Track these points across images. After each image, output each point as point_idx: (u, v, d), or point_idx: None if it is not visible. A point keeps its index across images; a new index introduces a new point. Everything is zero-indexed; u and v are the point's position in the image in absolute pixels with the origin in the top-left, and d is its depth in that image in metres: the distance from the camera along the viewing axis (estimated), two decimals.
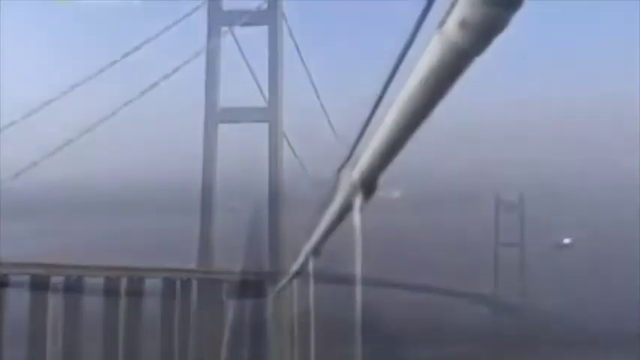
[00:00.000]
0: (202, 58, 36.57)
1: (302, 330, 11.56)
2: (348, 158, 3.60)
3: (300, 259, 8.53)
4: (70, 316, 21.52)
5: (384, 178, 3.46)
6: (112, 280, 23.57)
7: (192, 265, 40.11)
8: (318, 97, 41.77)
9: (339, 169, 3.76)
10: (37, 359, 22.29)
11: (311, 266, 7.58)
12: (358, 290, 3.83)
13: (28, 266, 22.09)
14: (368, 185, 3.35)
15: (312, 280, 7.83)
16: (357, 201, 3.48)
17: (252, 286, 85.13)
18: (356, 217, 3.58)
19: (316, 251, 7.24)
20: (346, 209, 3.99)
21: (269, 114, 38.85)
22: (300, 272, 10.14)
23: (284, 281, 14.27)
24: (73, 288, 21.44)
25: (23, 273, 21.89)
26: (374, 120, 3.24)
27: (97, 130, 33.96)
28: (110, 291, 22.38)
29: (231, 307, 67.99)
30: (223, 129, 40.44)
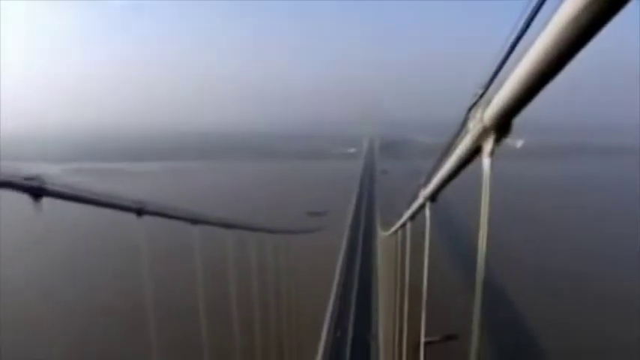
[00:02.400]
0: None
1: (413, 276, 11.66)
2: (480, 96, 3.35)
3: (416, 204, 8.43)
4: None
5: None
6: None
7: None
8: None
9: (469, 109, 3.53)
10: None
11: (427, 212, 7.47)
12: (483, 238, 3.67)
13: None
14: (501, 127, 3.13)
15: (428, 225, 7.74)
16: (488, 144, 3.28)
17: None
18: (485, 161, 3.39)
19: (433, 197, 7.10)
20: (473, 153, 3.78)
21: None
22: (414, 217, 10.11)
23: (397, 225, 14.33)
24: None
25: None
26: (514, 55, 3.00)
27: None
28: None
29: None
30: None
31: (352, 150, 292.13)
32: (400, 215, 12.69)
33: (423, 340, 8.61)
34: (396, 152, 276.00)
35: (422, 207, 7.76)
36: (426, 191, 7.16)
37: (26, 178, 5.95)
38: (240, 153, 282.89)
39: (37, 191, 6.31)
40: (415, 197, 8.31)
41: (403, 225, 12.17)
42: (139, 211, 7.74)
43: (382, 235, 36.23)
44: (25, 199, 6.18)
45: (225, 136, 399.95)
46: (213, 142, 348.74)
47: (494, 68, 3.38)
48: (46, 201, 6.15)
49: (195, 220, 9.84)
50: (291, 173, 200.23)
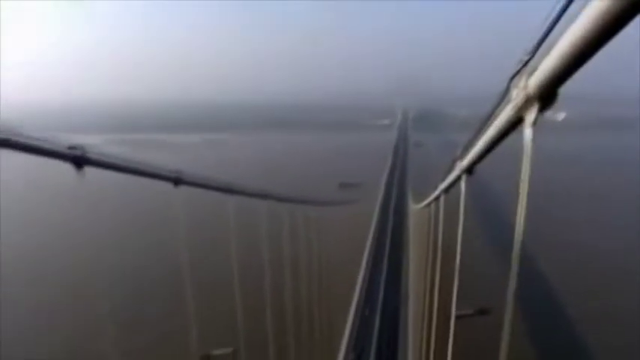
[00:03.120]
0: None
1: (445, 249, 11.57)
2: (525, 64, 3.19)
3: (451, 177, 8.27)
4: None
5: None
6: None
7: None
8: None
9: (512, 77, 3.38)
10: None
11: (463, 185, 7.32)
12: (521, 211, 3.56)
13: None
14: (546, 96, 2.98)
15: (463, 198, 7.59)
16: (531, 114, 3.13)
17: (395, 201, 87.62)
18: (527, 132, 3.24)
19: (470, 169, 6.93)
20: (515, 124, 3.63)
21: None
22: (449, 190, 9.95)
23: (430, 198, 14.16)
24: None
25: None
26: (562, 20, 2.82)
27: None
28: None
29: (374, 220, 71.67)
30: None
31: (386, 122, 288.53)
32: (433, 188, 12.52)
33: (454, 313, 8.59)
34: (431, 125, 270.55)
35: (457, 179, 7.61)
36: (462, 163, 6.99)
37: (69, 148, 6.18)
38: (275, 125, 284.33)
39: (79, 160, 6.55)
40: (451, 170, 8.16)
41: (437, 198, 12.01)
42: (176, 181, 7.93)
43: (414, 207, 35.97)
44: (68, 167, 6.41)
45: (260, 107, 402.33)
46: (249, 114, 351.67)
47: (540, 34, 3.20)
48: (88, 170, 6.38)
49: (229, 191, 10.01)
50: (324, 145, 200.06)
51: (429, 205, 14.91)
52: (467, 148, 6.39)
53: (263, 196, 13.45)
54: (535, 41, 3.26)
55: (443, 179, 9.96)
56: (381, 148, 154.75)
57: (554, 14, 2.97)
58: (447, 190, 9.94)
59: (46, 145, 6.04)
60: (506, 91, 3.56)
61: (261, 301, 14.74)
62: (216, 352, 8.78)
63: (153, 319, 46.77)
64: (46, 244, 72.99)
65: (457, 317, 8.38)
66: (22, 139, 5.51)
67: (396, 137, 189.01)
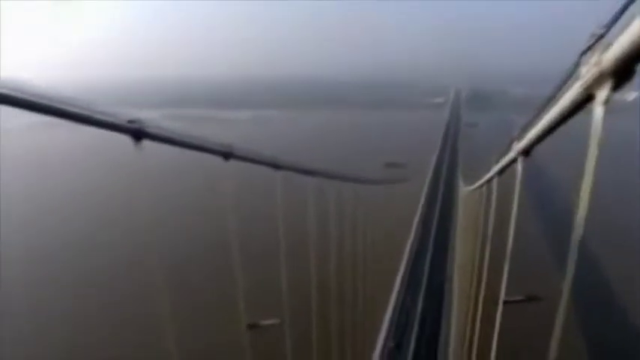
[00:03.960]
0: None
1: (496, 234, 11.23)
2: (599, 38, 2.94)
3: (507, 158, 7.93)
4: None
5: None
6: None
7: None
8: None
9: (583, 52, 3.13)
10: None
11: (519, 167, 7.00)
12: (585, 196, 3.34)
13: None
14: (622, 73, 2.73)
15: (518, 182, 7.28)
16: (603, 91, 2.89)
17: (444, 182, 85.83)
18: (597, 110, 3.00)
19: (527, 151, 6.60)
20: (583, 102, 3.36)
21: None
22: (503, 172, 9.57)
23: (482, 180, 13.71)
24: None
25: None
26: None
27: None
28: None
29: (421, 201, 70.61)
30: None
31: (439, 100, 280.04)
32: (486, 170, 12.10)
33: (502, 298, 8.36)
34: (485, 104, 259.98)
35: (513, 162, 7.28)
36: (519, 145, 6.67)
37: (129, 121, 6.48)
38: (324, 101, 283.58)
39: (137, 133, 6.84)
40: (506, 151, 7.82)
41: (489, 180, 11.60)
42: (227, 155, 8.12)
43: (464, 190, 35.05)
44: (126, 140, 6.70)
45: (311, 84, 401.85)
46: (300, 90, 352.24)
47: (619, 6, 2.94)
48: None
49: (277, 166, 10.13)
50: (372, 123, 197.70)
51: (480, 187, 14.44)
52: (525, 129, 6.07)
53: (310, 172, 13.53)
54: (611, 14, 3.01)
55: (497, 160, 9.57)
56: (431, 128, 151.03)
57: None
58: (501, 172, 9.55)
59: (108, 119, 6.34)
60: (575, 67, 3.31)
61: (307, 276, 15.00)
62: (264, 322, 9.06)
63: (202, 288, 48.87)
64: (105, 212, 77.56)
65: (505, 303, 8.15)
66: (86, 113, 5.84)
67: (448, 116, 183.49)
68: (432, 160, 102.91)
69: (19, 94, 5.09)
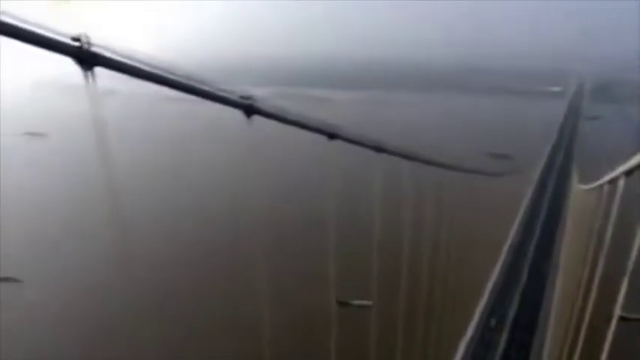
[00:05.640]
0: None
1: (615, 240, 10.16)
2: None
3: (638, 158, 7.06)
4: None
5: None
6: None
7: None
8: None
9: None
10: None
11: None
12: None
13: None
14: None
15: None
16: None
17: (556, 178, 79.07)
18: None
19: None
20: None
21: None
22: (632, 173, 8.53)
23: (603, 179, 12.39)
24: None
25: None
26: None
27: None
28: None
29: (527, 196, 65.90)
30: None
31: (556, 89, 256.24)
32: (608, 169, 10.87)
33: (617, 313, 7.57)
34: (608, 94, 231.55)
35: None
36: None
37: (242, 97, 6.98)
38: (436, 86, 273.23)
39: (250, 109, 7.33)
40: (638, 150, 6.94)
41: (613, 180, 10.43)
42: (331, 135, 8.38)
43: (578, 188, 31.95)
44: (238, 115, 7.15)
45: (425, 67, 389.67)
46: (413, 73, 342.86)
47: None
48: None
49: (379, 149, 10.11)
50: (483, 110, 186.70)
51: (600, 187, 13.03)
52: None
53: (409, 157, 13.27)
54: None
55: (626, 159, 8.54)
56: (547, 119, 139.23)
57: None
58: (629, 172, 8.51)
59: (224, 95, 6.88)
60: None
61: (400, 260, 14.90)
62: (355, 302, 9.24)
63: (297, 265, 49.89)
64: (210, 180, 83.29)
65: (621, 318, 7.38)
66: (207, 88, 6.45)
67: (567, 107, 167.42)
68: (543, 153, 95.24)
69: (158, 72, 5.88)
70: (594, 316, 11.57)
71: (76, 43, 5.19)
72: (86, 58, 5.27)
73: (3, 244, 49.34)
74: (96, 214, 52.40)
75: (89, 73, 5.51)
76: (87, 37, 5.30)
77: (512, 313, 37.18)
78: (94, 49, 5.34)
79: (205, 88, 6.61)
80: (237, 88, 7.31)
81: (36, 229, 59.38)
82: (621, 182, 9.07)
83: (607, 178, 11.52)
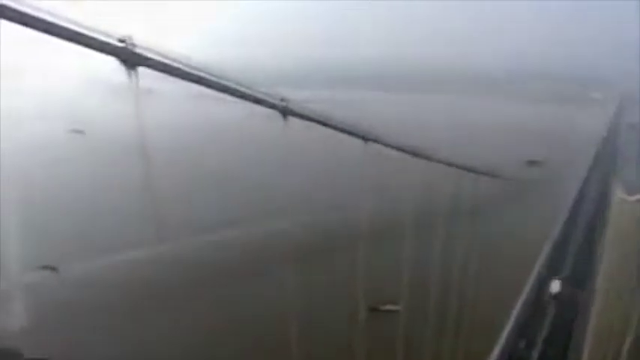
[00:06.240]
0: None
1: None
2: None
3: None
4: None
5: None
6: None
7: None
8: None
9: None
10: None
11: None
12: None
13: None
14: None
15: None
16: None
17: (597, 188, 76.14)
18: None
19: None
20: None
21: None
22: None
23: None
24: None
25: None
26: None
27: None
28: None
29: (568, 202, 63.52)
30: None
31: (596, 95, 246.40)
32: None
33: None
34: None
35: None
36: None
37: (280, 99, 7.11)
38: (475, 91, 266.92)
39: (285, 111, 7.40)
40: None
41: None
42: (365, 138, 8.41)
43: (621, 198, 30.56)
44: (275, 116, 7.19)
45: (469, 71, 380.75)
46: (457, 76, 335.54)
47: None
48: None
49: (414, 154, 10.04)
50: (523, 117, 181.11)
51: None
52: None
53: (447, 163, 13.10)
54: None
55: None
56: (586, 127, 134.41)
57: None
58: None
59: (260, 96, 6.97)
60: None
61: (432, 268, 14.70)
62: (385, 307, 9.17)
63: (331, 269, 48.39)
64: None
65: None
66: (244, 90, 6.57)
67: (610, 114, 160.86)
68: (582, 160, 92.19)
69: (197, 72, 6.03)
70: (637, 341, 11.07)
71: (121, 44, 5.36)
72: (130, 58, 5.43)
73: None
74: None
75: (132, 73, 5.68)
76: (131, 38, 5.47)
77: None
78: (137, 50, 5.51)
79: (243, 89, 6.73)
80: (277, 91, 7.40)
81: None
82: None
83: None
